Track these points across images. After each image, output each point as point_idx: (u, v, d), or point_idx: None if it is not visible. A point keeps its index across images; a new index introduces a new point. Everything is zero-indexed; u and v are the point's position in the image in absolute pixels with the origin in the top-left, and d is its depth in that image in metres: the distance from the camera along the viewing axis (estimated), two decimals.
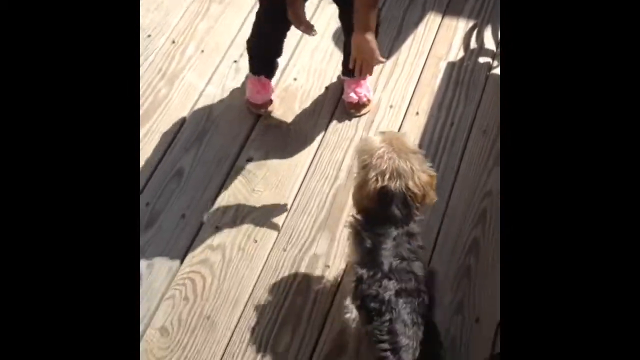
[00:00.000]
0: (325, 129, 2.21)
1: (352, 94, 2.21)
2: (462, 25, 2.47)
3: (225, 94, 2.30)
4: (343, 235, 1.96)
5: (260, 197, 2.05)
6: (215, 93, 2.30)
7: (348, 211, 1.97)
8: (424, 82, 2.33)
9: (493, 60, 2.38)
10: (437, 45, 2.41)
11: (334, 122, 2.23)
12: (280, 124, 2.23)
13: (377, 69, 2.31)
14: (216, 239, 1.96)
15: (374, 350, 1.42)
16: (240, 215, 2.01)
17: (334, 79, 2.31)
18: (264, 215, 2.01)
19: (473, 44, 2.41)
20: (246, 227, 1.98)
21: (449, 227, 1.99)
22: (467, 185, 2.09)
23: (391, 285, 1.42)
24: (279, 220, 2.00)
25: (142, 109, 2.22)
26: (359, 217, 1.56)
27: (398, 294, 1.42)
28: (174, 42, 2.41)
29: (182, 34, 2.44)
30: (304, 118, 2.24)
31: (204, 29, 2.45)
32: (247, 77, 2.27)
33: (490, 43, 2.42)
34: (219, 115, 2.25)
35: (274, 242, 1.95)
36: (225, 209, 2.02)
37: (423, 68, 2.36)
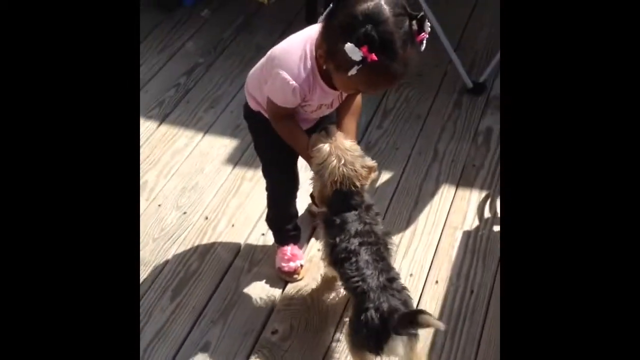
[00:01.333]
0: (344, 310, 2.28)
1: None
2: (475, 196, 2.61)
3: (253, 267, 2.42)
4: None
5: None
6: (244, 265, 2.43)
7: None
8: (442, 251, 2.42)
9: None
10: (452, 215, 2.54)
11: None
12: (304, 294, 2.32)
13: (396, 238, 2.45)
14: None
15: (349, 285, 1.88)
16: None
17: None
18: None
19: (487, 214, 2.53)
20: None
21: None
22: (489, 356, 2.08)
23: (356, 241, 1.88)
24: None
25: (173, 285, 2.36)
26: (324, 209, 1.99)
27: (361, 244, 1.88)
28: (207, 218, 2.61)
29: (215, 210, 2.63)
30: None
31: (235, 205, 2.65)
32: (275, 247, 2.41)
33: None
34: (246, 288, 2.35)
35: None
36: None
37: (440, 237, 2.47)
